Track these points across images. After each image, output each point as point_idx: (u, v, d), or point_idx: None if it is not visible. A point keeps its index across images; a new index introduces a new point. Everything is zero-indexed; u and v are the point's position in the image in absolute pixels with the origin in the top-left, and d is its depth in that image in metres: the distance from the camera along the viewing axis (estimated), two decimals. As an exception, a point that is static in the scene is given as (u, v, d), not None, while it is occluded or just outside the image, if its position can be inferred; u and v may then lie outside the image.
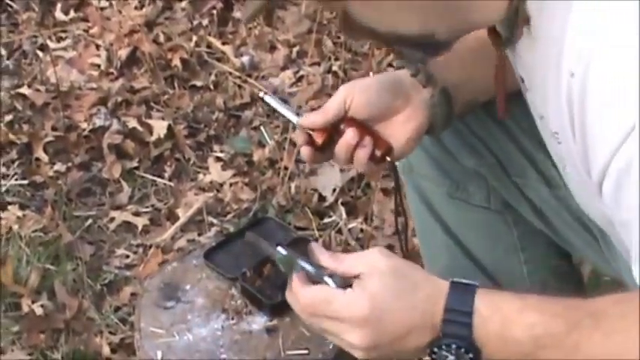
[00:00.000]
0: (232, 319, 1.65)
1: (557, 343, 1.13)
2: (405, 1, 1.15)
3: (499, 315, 1.16)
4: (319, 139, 1.45)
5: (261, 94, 1.55)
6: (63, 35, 3.07)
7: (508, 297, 1.18)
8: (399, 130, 1.44)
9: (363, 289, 1.21)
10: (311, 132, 1.45)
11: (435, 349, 1.20)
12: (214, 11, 3.06)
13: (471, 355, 1.18)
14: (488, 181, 1.56)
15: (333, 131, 1.44)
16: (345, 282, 1.23)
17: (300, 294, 1.25)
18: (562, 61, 1.11)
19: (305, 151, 1.47)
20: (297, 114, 1.49)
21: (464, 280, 1.21)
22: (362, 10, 1.16)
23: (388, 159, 1.44)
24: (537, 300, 1.17)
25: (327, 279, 1.24)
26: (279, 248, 1.29)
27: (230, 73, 2.88)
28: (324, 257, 1.27)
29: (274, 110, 1.53)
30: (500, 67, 1.30)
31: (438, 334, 1.19)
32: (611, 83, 1.06)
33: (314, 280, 1.26)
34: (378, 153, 1.43)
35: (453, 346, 1.18)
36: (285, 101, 1.79)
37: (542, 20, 1.16)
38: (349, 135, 1.42)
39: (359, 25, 1.18)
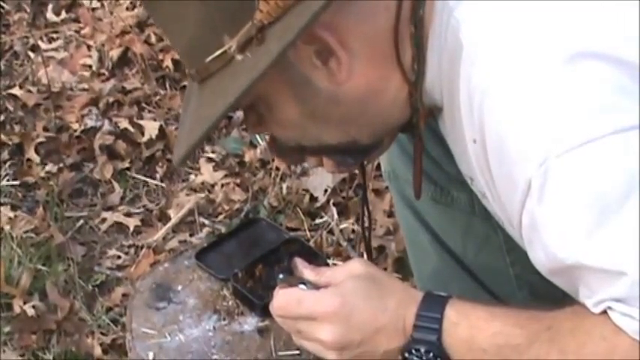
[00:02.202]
0: (224, 319, 1.65)
1: (519, 356, 1.15)
2: (323, 123, 1.25)
3: (467, 322, 1.19)
4: None
5: None
6: (54, 36, 3.07)
7: (478, 306, 1.21)
8: None
9: (335, 287, 1.25)
10: None
11: (406, 354, 1.22)
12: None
13: None
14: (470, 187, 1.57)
15: None
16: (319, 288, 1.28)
17: (274, 297, 1.29)
18: (465, 130, 1.16)
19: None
20: None
21: (440, 293, 1.23)
22: (285, 133, 1.28)
23: None
24: (503, 310, 1.20)
25: (300, 285, 1.28)
26: (281, 275, 1.35)
27: (221, 74, 2.88)
28: (307, 271, 1.32)
29: None
30: (418, 151, 1.35)
31: (408, 339, 1.21)
32: (503, 144, 1.10)
33: None
34: None
35: (423, 350, 1.20)
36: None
37: (445, 95, 1.22)
38: None
39: (286, 145, 1.30)
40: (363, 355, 1.24)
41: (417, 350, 1.21)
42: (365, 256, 2.26)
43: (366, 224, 1.58)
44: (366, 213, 1.56)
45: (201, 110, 1.20)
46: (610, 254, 1.05)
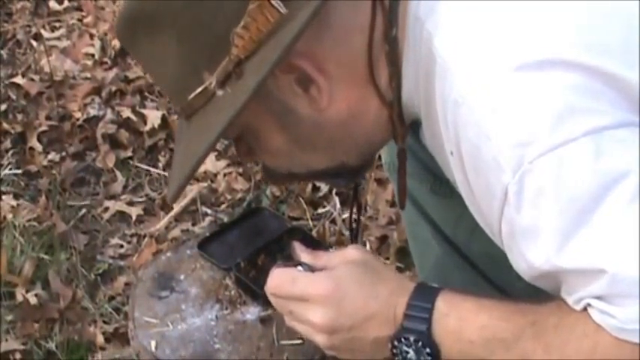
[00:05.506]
0: (226, 309, 1.65)
1: (505, 352, 1.16)
2: (309, 149, 1.27)
3: (456, 314, 1.20)
4: None
5: None
6: (57, 25, 3.07)
7: (467, 298, 1.21)
8: None
9: (330, 271, 1.27)
10: None
11: (395, 342, 1.23)
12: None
13: (428, 351, 1.21)
14: None
15: None
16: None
17: (269, 276, 1.31)
18: (444, 142, 1.17)
19: None
20: None
21: (433, 284, 1.24)
22: (275, 161, 1.31)
23: None
24: (492, 302, 1.20)
25: (297, 267, 1.31)
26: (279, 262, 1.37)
27: (224, 63, 2.88)
28: (304, 254, 1.33)
29: None
30: (402, 163, 1.37)
31: (398, 328, 1.22)
32: (477, 155, 1.11)
33: None
34: None
35: (412, 339, 1.21)
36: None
37: (422, 108, 1.22)
38: None
39: (277, 172, 1.32)
40: (353, 341, 1.25)
41: (407, 339, 1.21)
42: (367, 246, 2.28)
43: (366, 222, 1.58)
44: (362, 213, 1.57)
45: (189, 146, 1.22)
46: (589, 254, 1.06)
